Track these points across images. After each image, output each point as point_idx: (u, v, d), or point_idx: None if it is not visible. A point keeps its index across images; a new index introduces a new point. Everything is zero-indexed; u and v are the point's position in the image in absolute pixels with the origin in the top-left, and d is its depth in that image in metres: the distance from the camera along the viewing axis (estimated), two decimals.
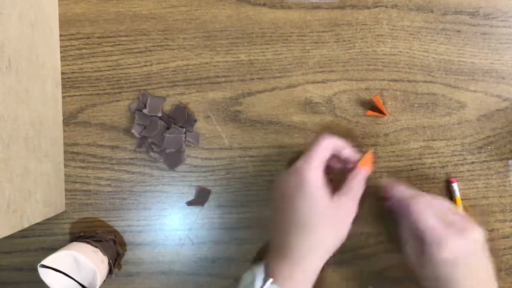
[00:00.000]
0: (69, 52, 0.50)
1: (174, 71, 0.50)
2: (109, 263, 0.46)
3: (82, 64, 0.50)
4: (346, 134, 0.50)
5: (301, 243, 0.39)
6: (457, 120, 0.51)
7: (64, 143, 0.50)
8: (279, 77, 0.51)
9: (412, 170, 0.51)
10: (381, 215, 0.50)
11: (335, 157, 0.44)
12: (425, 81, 0.51)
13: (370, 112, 0.50)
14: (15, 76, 0.39)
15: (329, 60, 0.51)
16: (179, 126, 0.49)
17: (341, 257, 0.50)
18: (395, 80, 0.51)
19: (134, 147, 0.50)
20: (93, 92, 0.50)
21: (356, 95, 0.51)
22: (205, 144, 0.50)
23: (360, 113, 0.51)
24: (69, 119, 0.50)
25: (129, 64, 0.50)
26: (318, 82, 0.51)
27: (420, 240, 0.40)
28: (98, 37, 0.50)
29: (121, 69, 0.50)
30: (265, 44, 0.51)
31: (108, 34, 0.50)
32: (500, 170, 0.51)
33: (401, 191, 0.44)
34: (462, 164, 0.51)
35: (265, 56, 0.51)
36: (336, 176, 0.44)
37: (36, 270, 0.43)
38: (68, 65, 0.50)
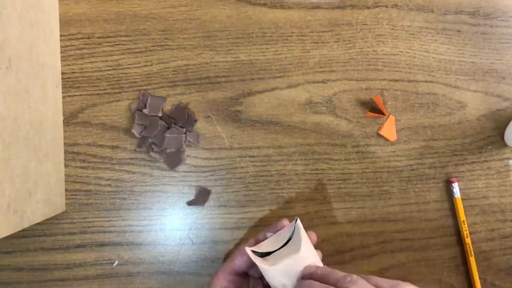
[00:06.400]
0: (69, 52, 0.50)
1: (174, 71, 0.50)
2: None
3: (82, 64, 0.50)
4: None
5: None
6: (457, 120, 0.51)
7: (64, 143, 0.50)
8: (279, 77, 0.51)
9: (412, 170, 0.51)
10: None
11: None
12: (425, 81, 0.51)
13: (369, 114, 0.50)
14: (15, 76, 0.39)
15: (329, 60, 0.51)
16: (179, 126, 0.49)
17: (341, 257, 0.50)
18: (396, 80, 0.51)
19: (134, 147, 0.50)
20: (93, 92, 0.50)
21: (356, 95, 0.51)
22: (205, 144, 0.50)
23: (360, 113, 0.51)
24: (69, 119, 0.50)
25: (129, 64, 0.50)
26: (318, 82, 0.51)
27: None
28: (98, 37, 0.50)
29: (121, 69, 0.50)
30: (265, 44, 0.51)
31: (108, 34, 0.50)
32: (500, 170, 0.51)
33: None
34: (462, 164, 0.51)
35: (265, 56, 0.51)
36: None
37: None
38: (68, 65, 0.50)
